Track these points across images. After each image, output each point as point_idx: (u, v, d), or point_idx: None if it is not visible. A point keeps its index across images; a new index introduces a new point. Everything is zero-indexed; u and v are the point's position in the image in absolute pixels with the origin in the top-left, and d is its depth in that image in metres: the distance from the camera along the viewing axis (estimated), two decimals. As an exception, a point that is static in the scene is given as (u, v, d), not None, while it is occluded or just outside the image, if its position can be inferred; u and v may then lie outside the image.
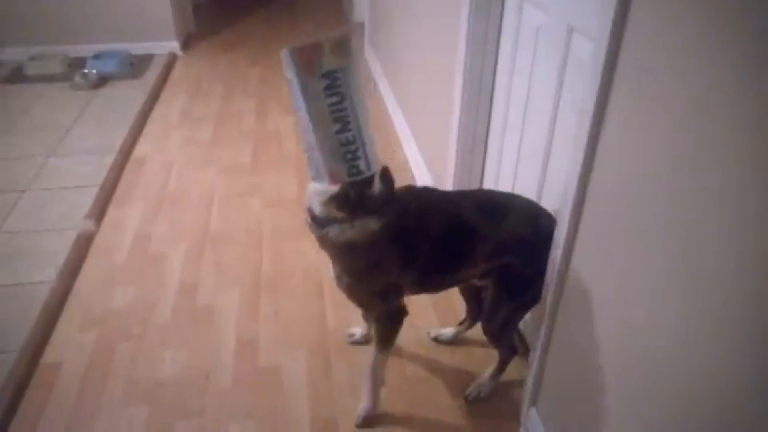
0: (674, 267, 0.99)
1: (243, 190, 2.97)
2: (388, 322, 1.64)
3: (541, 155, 1.76)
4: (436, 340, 2.04)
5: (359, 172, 1.30)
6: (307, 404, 1.82)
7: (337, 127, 1.25)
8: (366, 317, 1.92)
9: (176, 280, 2.35)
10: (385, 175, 1.34)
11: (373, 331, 1.69)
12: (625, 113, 1.12)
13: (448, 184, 2.33)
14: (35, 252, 2.47)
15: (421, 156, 2.95)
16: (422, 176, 2.86)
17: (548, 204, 1.67)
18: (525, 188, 1.86)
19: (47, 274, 2.33)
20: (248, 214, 2.77)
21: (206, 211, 2.80)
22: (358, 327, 2.01)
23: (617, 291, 1.19)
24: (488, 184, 2.23)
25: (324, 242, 1.46)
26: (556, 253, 1.40)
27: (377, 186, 1.33)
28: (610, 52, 1.12)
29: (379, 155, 1.36)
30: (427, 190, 1.66)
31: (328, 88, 1.22)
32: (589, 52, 1.25)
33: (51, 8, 4.54)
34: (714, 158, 0.89)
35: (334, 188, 1.32)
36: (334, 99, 1.23)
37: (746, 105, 0.82)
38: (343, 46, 1.22)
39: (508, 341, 1.78)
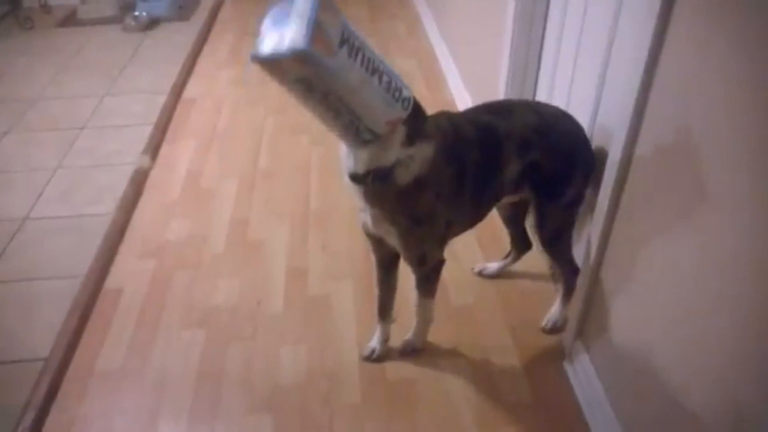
0: (742, 186, 0.94)
1: (292, 127, 2.98)
2: (434, 274, 1.63)
3: (598, 71, 1.68)
4: (481, 274, 2.04)
5: (366, 142, 1.26)
6: (354, 331, 1.87)
7: (331, 114, 1.18)
8: (384, 308, 1.78)
9: (228, 215, 2.41)
10: (417, 108, 1.32)
11: (417, 288, 1.67)
12: (690, 21, 1.04)
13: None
14: (94, 186, 2.58)
15: (467, 90, 2.88)
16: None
17: (604, 119, 1.63)
18: (581, 105, 1.78)
19: (106, 207, 2.43)
20: (297, 151, 2.79)
21: (256, 148, 2.83)
22: (372, 341, 1.80)
23: (675, 209, 1.14)
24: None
25: (385, 193, 1.38)
26: (611, 173, 1.36)
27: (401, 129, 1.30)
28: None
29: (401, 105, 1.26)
30: (439, 112, 1.59)
31: (306, 90, 1.12)
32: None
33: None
34: None
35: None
36: (317, 96, 1.13)
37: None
38: (305, 60, 1.05)
39: (565, 253, 1.74)
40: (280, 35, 1.05)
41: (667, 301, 1.18)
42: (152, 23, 4.28)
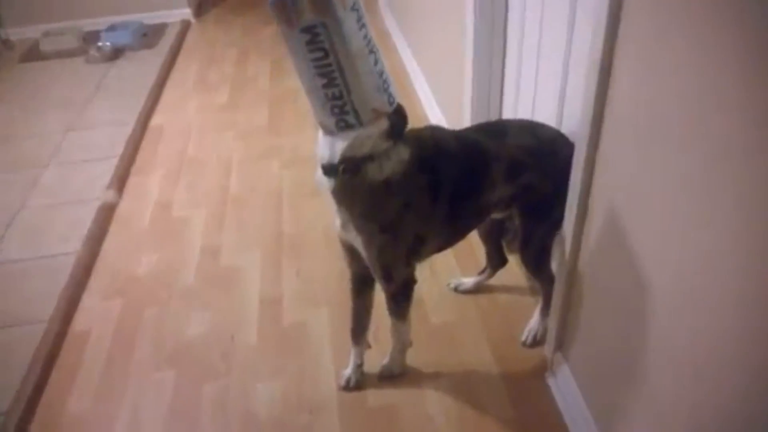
0: (699, 191, 0.91)
1: (261, 152, 2.94)
2: (403, 294, 1.57)
3: (557, 86, 1.67)
4: (456, 290, 2.00)
5: (348, 126, 1.24)
6: (331, 359, 1.82)
7: (322, 81, 1.19)
8: (357, 329, 1.72)
9: (198, 244, 2.35)
10: (400, 109, 1.31)
11: (388, 308, 1.61)
12: (639, 29, 1.02)
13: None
14: (60, 225, 2.50)
15: (438, 104, 2.86)
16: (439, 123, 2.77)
17: (568, 129, 1.61)
18: (545, 117, 1.77)
19: (72, 245, 2.35)
20: (267, 176, 2.75)
21: (225, 174, 2.78)
22: (347, 368, 1.74)
23: (641, 215, 1.11)
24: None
25: (355, 190, 1.34)
26: (576, 176, 1.33)
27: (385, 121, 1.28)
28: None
29: (388, 99, 1.27)
30: (429, 126, 1.62)
31: (309, 42, 1.14)
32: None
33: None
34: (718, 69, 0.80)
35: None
36: (317, 54, 1.15)
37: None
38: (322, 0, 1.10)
39: (546, 269, 1.72)
40: None
41: (643, 307, 1.15)
42: (117, 53, 4.22)
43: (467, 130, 1.65)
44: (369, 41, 1.20)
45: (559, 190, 1.48)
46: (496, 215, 1.67)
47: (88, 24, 4.55)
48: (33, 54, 4.35)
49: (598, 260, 1.34)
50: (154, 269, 2.25)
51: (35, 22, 4.58)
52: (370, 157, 1.30)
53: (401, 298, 1.58)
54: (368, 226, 1.41)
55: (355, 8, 1.15)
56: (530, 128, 1.62)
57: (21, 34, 4.60)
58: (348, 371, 1.73)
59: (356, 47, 1.16)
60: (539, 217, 1.60)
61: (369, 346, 1.74)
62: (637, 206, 1.13)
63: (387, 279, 1.53)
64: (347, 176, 1.31)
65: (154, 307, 2.07)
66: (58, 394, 1.79)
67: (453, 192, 1.47)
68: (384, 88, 1.25)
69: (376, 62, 1.22)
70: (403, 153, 1.33)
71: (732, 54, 0.82)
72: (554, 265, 1.66)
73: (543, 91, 1.83)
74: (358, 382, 1.72)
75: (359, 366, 1.73)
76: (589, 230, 1.36)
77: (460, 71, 2.25)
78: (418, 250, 1.53)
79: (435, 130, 1.54)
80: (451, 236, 1.63)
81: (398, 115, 1.30)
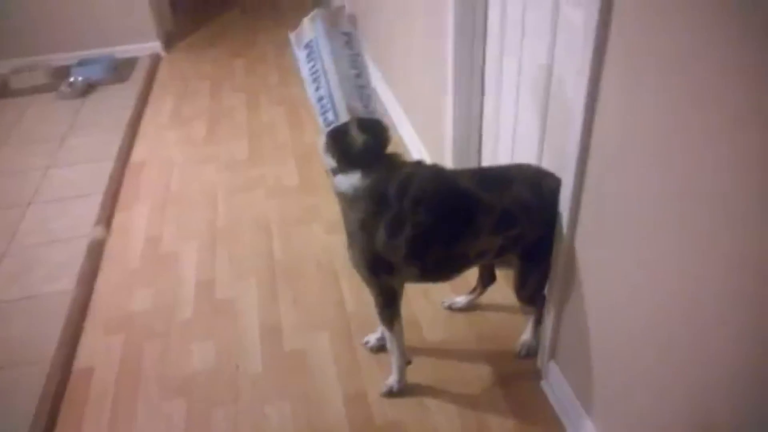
0: (681, 227, 1.06)
1: (245, 184, 3.01)
2: (382, 302, 1.70)
3: (537, 125, 1.82)
4: (450, 308, 2.11)
5: (328, 123, 1.48)
6: (336, 380, 1.90)
7: (315, 86, 1.48)
8: None
9: (192, 277, 2.40)
10: (376, 129, 1.51)
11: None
12: (622, 72, 1.17)
13: (447, 163, 2.38)
14: (48, 263, 2.51)
15: (420, 141, 2.99)
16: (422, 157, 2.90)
17: (548, 164, 1.73)
18: (525, 150, 1.92)
19: (64, 284, 2.37)
20: (253, 206, 2.82)
21: (212, 207, 2.84)
22: (372, 333, 1.99)
23: (624, 247, 1.25)
24: (486, 159, 2.29)
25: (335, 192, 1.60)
26: (563, 215, 1.47)
27: (357, 136, 1.48)
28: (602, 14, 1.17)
29: (364, 108, 1.50)
30: (434, 166, 1.66)
31: (308, 57, 1.48)
32: (580, 17, 1.29)
33: (29, 19, 4.49)
34: (708, 109, 0.95)
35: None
36: (311, 64, 1.48)
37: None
38: (314, 20, 1.46)
39: (541, 297, 1.80)
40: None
41: (632, 315, 1.29)
42: (88, 88, 4.22)
43: (470, 173, 1.69)
44: (354, 57, 1.52)
45: (551, 235, 1.55)
46: (497, 263, 1.78)
47: (57, 59, 4.53)
48: (3, 91, 4.31)
49: (589, 276, 1.48)
50: (150, 304, 2.29)
51: (1, 57, 4.53)
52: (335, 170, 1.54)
53: (381, 304, 1.71)
54: (346, 228, 1.63)
55: (348, 32, 1.52)
56: (535, 180, 1.62)
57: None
58: (371, 336, 1.98)
59: (339, 60, 1.48)
60: (538, 261, 1.67)
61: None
62: (625, 227, 1.27)
63: (364, 281, 1.70)
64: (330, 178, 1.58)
65: (154, 342, 2.11)
66: (72, 430, 1.81)
67: (417, 234, 1.52)
68: (362, 96, 1.49)
69: (358, 76, 1.50)
70: (355, 180, 1.51)
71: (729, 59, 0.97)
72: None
73: (523, 127, 1.97)
74: (379, 348, 1.96)
75: (380, 338, 1.94)
76: (581, 247, 1.49)
77: (441, 107, 2.38)
78: (388, 272, 1.62)
79: (421, 170, 1.58)
80: (428, 273, 1.68)
81: (371, 131, 1.50)
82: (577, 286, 1.52)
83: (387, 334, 1.76)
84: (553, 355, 1.75)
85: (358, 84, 1.49)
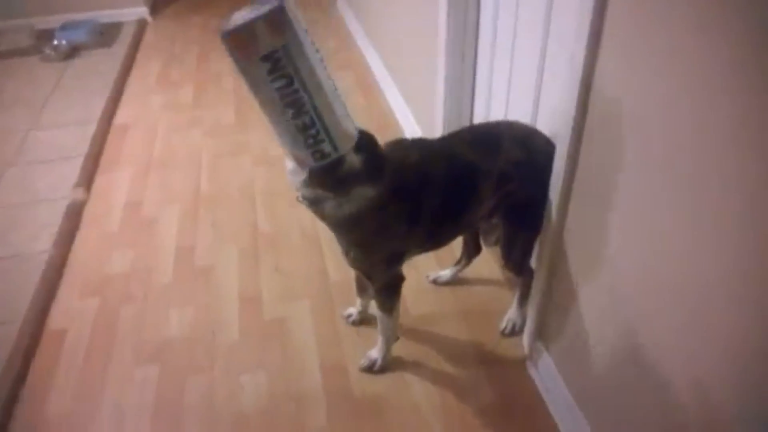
0: (678, 195, 1.01)
1: (231, 150, 2.94)
2: (388, 291, 1.64)
3: (533, 85, 1.75)
4: (435, 282, 2.07)
5: (325, 156, 1.19)
6: (315, 351, 1.85)
7: (290, 112, 1.12)
8: (360, 287, 1.87)
9: (173, 242, 2.34)
10: (366, 142, 1.28)
11: (375, 300, 1.68)
12: (623, 30, 1.11)
13: (437, 128, 2.32)
14: (28, 223, 2.43)
15: (408, 107, 2.93)
16: (410, 127, 2.84)
17: (543, 127, 1.67)
18: (519, 116, 1.85)
19: (42, 245, 2.30)
20: (239, 173, 2.75)
21: (196, 172, 2.77)
22: (352, 307, 1.93)
23: (621, 206, 1.20)
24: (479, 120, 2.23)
25: (323, 218, 1.41)
26: (557, 181, 1.41)
27: (355, 160, 1.26)
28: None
29: (354, 124, 1.26)
30: (419, 141, 1.61)
31: (271, 71, 1.07)
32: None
33: (12, -22, 4.37)
34: (712, 78, 0.89)
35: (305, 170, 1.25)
36: (281, 82, 1.09)
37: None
38: (280, 22, 1.04)
39: (527, 266, 1.77)
40: (253, 10, 1.06)
41: (624, 294, 1.24)
42: (72, 52, 4.10)
43: (459, 139, 1.62)
44: (323, 62, 1.15)
45: (542, 198, 1.50)
46: (482, 224, 1.74)
47: (40, 22, 4.41)
48: (-15, 51, 4.19)
49: (579, 251, 1.43)
50: (128, 268, 2.23)
51: (-17, 18, 4.40)
52: (325, 196, 1.31)
53: (386, 294, 1.65)
54: (342, 240, 1.50)
55: (305, 28, 1.11)
56: (524, 139, 1.59)
57: (-32, 30, 4.41)
58: (352, 310, 1.92)
59: (319, 68, 1.12)
60: (522, 224, 1.64)
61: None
62: (616, 199, 1.22)
63: (368, 278, 1.62)
64: (310, 206, 1.36)
65: (130, 306, 2.06)
66: (37, 394, 1.76)
67: (436, 214, 1.50)
68: (347, 112, 1.22)
69: (335, 85, 1.18)
70: (368, 192, 1.31)
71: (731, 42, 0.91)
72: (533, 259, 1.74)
73: (517, 90, 1.91)
74: (360, 321, 1.92)
75: (361, 311, 1.91)
76: (571, 221, 1.44)
77: (432, 71, 2.32)
78: (399, 260, 1.59)
79: (423, 152, 1.51)
80: (434, 246, 1.70)
81: (366, 148, 1.28)
82: (567, 260, 1.47)
83: (384, 318, 1.69)
84: (540, 335, 1.70)
85: (338, 94, 1.19)
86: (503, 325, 1.88)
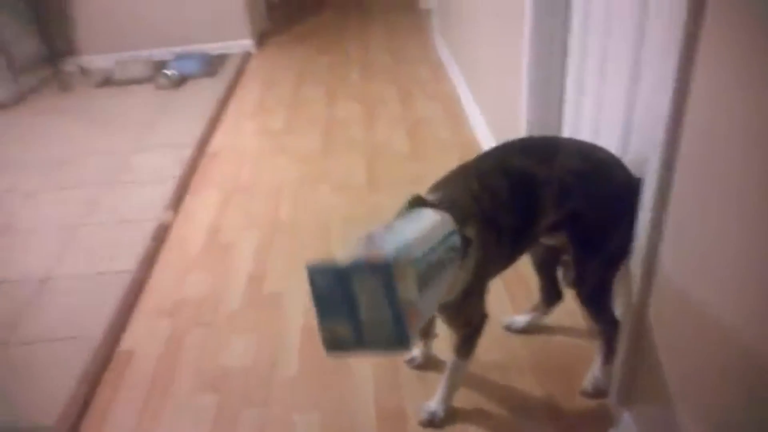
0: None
1: (312, 177, 2.94)
2: (472, 334, 1.53)
3: (623, 102, 1.58)
4: (509, 328, 1.89)
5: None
6: (372, 395, 1.74)
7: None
8: (424, 330, 1.74)
9: (245, 269, 2.35)
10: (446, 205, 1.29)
11: (455, 341, 1.55)
12: (720, 47, 0.93)
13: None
14: (117, 242, 2.55)
15: (494, 137, 2.79)
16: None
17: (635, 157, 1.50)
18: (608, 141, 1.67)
19: (127, 264, 2.39)
20: (317, 201, 2.74)
21: (275, 198, 2.79)
22: (416, 349, 1.82)
23: (723, 261, 1.00)
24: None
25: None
26: (645, 215, 1.22)
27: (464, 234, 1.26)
28: None
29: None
30: (465, 168, 1.53)
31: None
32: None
33: (135, 17, 4.77)
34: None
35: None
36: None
37: None
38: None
39: (606, 310, 1.57)
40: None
41: (727, 354, 1.03)
42: (183, 81, 4.39)
43: (510, 150, 1.55)
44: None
45: (613, 219, 1.39)
46: (546, 241, 1.58)
47: (156, 53, 4.77)
48: (107, 81, 4.58)
49: (672, 305, 1.22)
50: (201, 292, 2.25)
51: (109, 51, 4.83)
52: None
53: (475, 336, 1.53)
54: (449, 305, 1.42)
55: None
56: (582, 150, 1.52)
57: (96, 62, 4.85)
58: (416, 352, 1.80)
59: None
60: (592, 248, 1.49)
61: (436, 335, 1.77)
62: (717, 251, 1.01)
63: (467, 325, 1.51)
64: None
65: (198, 331, 2.06)
66: (102, 412, 1.79)
67: (511, 229, 1.43)
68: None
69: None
70: (470, 260, 1.31)
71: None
72: (619, 308, 1.53)
73: (607, 116, 1.73)
74: (423, 365, 1.80)
75: (424, 354, 1.80)
76: (660, 270, 1.24)
77: (516, 89, 2.18)
78: (485, 292, 1.51)
79: (481, 175, 1.45)
80: (508, 264, 1.58)
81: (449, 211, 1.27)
82: (658, 317, 1.26)
83: (460, 363, 1.56)
84: (626, 400, 1.47)
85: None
86: (585, 384, 1.66)
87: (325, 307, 1.09)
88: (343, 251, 1.13)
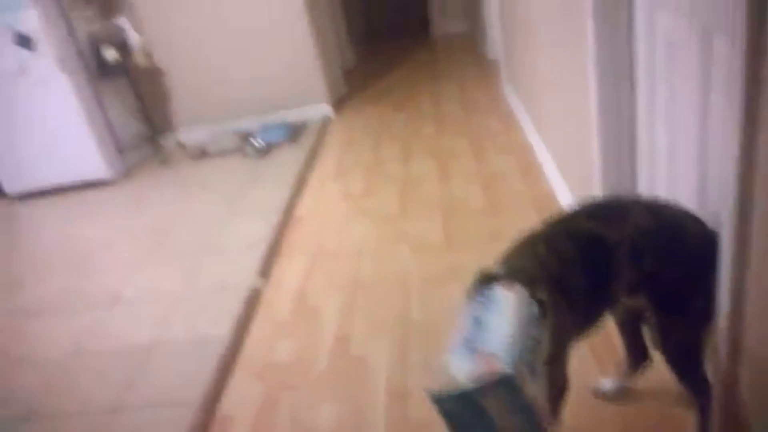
0: None
1: (391, 237, 3.03)
2: (561, 394, 1.48)
3: (695, 150, 1.55)
4: (597, 393, 1.84)
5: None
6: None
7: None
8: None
9: (331, 332, 2.44)
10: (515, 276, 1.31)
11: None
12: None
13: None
14: (213, 308, 2.74)
15: (569, 190, 2.77)
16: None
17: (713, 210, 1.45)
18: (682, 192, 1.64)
19: (222, 330, 2.55)
20: (396, 261, 2.81)
21: (357, 261, 2.89)
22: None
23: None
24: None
25: None
26: (724, 273, 1.19)
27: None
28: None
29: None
30: (536, 231, 1.52)
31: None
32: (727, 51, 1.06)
33: (222, 91, 5.19)
34: None
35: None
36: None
37: None
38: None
39: (697, 378, 1.49)
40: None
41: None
42: (269, 149, 4.68)
43: (578, 214, 1.53)
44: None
45: (690, 278, 1.35)
46: (627, 302, 1.54)
47: (243, 123, 5.14)
48: (202, 153, 4.97)
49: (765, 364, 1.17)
50: (290, 356, 2.36)
51: (201, 124, 5.27)
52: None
53: (559, 398, 1.48)
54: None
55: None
56: (651, 208, 1.48)
57: (190, 134, 5.30)
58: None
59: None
60: (671, 308, 1.43)
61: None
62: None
63: (552, 387, 1.44)
64: None
65: (288, 395, 2.16)
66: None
67: (585, 294, 1.41)
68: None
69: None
70: (538, 293, 1.30)
71: None
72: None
73: (680, 167, 1.70)
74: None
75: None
76: (748, 335, 1.19)
77: (587, 143, 2.18)
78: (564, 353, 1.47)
79: (549, 240, 1.45)
80: (586, 329, 1.53)
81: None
82: (755, 384, 1.20)
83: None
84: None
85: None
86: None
87: (461, 428, 1.15)
88: (444, 359, 1.18)
